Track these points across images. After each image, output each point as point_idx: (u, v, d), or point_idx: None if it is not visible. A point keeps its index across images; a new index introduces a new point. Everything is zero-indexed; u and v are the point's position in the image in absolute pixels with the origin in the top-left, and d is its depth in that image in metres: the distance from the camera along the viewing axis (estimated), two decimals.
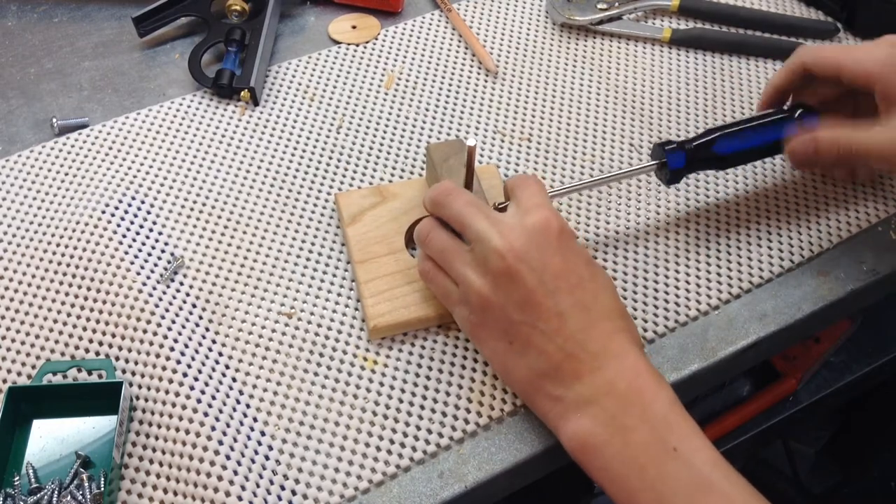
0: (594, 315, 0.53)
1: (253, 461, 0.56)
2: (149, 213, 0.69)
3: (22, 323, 0.62)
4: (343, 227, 0.66)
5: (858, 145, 0.60)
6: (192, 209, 0.69)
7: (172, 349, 0.61)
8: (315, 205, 0.70)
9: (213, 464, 0.56)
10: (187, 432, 0.57)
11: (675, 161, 0.64)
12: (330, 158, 0.73)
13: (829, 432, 1.25)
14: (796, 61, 0.65)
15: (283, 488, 0.55)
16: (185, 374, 0.60)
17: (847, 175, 0.71)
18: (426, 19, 0.84)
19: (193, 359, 0.60)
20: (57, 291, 0.64)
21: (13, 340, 0.61)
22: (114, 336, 0.62)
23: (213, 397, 0.59)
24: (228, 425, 0.57)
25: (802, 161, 0.64)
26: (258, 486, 0.55)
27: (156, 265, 0.65)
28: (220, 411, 0.58)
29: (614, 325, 0.53)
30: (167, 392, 0.59)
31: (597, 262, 0.57)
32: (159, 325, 0.62)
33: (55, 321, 0.62)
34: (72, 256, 0.66)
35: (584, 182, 0.64)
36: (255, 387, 0.59)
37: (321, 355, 0.61)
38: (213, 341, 0.61)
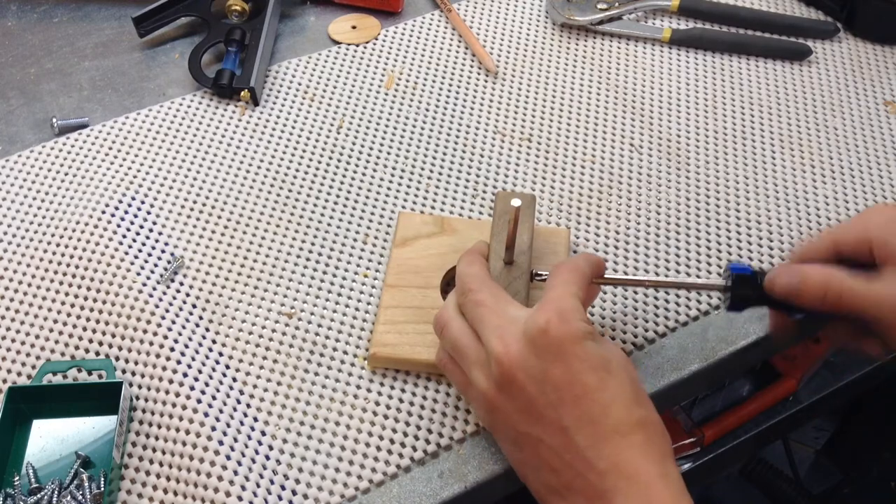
0: (602, 429, 0.47)
1: (253, 461, 0.56)
2: (149, 213, 0.69)
3: (22, 323, 0.62)
4: (392, 246, 0.66)
5: (853, 293, 0.51)
6: (192, 209, 0.69)
7: (172, 349, 0.61)
8: (315, 205, 0.70)
9: (213, 464, 0.56)
10: (187, 432, 0.57)
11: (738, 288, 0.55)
12: (330, 158, 0.73)
13: (829, 432, 1.25)
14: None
15: (283, 488, 0.55)
16: (185, 374, 0.60)
17: (834, 337, 0.59)
18: (426, 19, 0.84)
19: (193, 359, 0.60)
20: (57, 291, 0.64)
21: (13, 340, 0.61)
22: (114, 336, 0.62)
23: (214, 397, 0.59)
24: (228, 425, 0.57)
25: (782, 292, 0.53)
26: (258, 486, 0.55)
27: (156, 265, 0.65)
28: (221, 411, 0.58)
29: (627, 439, 0.47)
30: (167, 392, 0.59)
31: (614, 361, 0.49)
32: (159, 325, 0.62)
33: (55, 321, 0.62)
34: (72, 256, 0.66)
35: (638, 279, 0.61)
36: (255, 387, 0.59)
37: (321, 355, 0.61)
38: (213, 341, 0.61)
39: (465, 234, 0.65)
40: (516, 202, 0.55)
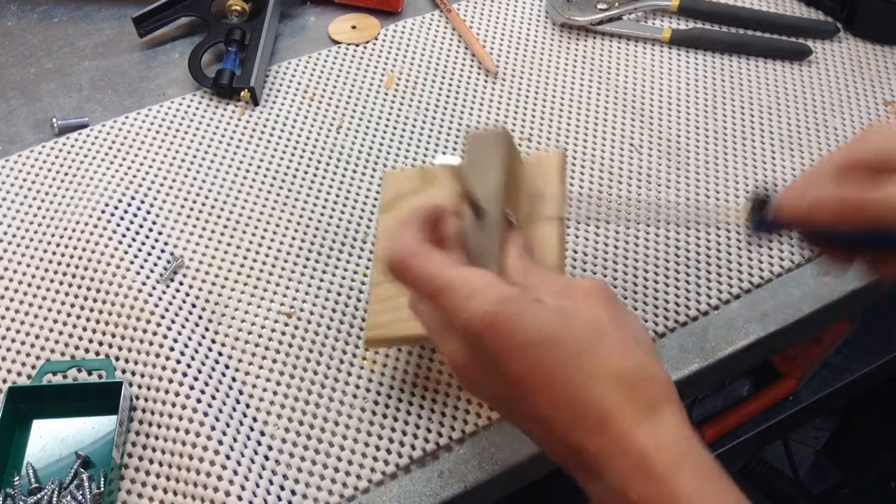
0: (579, 409, 0.42)
1: (253, 461, 0.56)
2: (149, 213, 0.69)
3: (22, 323, 0.62)
4: (378, 212, 0.59)
5: (874, 201, 0.46)
6: (192, 209, 0.69)
7: (172, 349, 0.61)
8: (315, 205, 0.70)
9: (213, 464, 0.56)
10: (187, 432, 0.57)
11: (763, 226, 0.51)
12: (330, 158, 0.73)
13: (829, 432, 1.25)
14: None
15: (282, 488, 0.55)
16: (184, 374, 0.60)
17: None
18: (426, 19, 0.84)
19: (193, 359, 0.60)
20: (57, 291, 0.64)
21: (13, 340, 0.62)
22: (114, 336, 0.62)
23: (213, 397, 0.59)
24: (228, 425, 0.57)
25: (791, 214, 0.49)
26: (258, 486, 0.55)
27: (156, 265, 0.65)
28: (220, 411, 0.58)
29: (605, 406, 0.41)
30: (167, 392, 0.59)
31: (566, 317, 0.43)
32: (159, 325, 0.62)
33: (55, 321, 0.62)
34: (72, 256, 0.66)
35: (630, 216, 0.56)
36: (255, 387, 0.59)
37: (321, 354, 0.61)
38: (213, 341, 0.61)
39: (448, 185, 0.55)
40: (452, 161, 0.46)
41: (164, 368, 0.60)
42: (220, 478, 0.55)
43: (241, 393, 0.59)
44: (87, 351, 0.61)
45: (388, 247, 0.47)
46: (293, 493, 0.55)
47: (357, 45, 0.82)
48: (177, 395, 0.59)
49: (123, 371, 0.60)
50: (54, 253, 0.66)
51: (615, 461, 0.41)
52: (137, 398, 0.59)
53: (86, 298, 0.63)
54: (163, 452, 0.56)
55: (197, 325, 0.62)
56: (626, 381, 0.41)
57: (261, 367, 0.60)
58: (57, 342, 0.61)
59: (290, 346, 0.61)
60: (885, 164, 0.48)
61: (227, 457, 0.56)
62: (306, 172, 0.72)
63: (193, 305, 0.63)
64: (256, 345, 0.61)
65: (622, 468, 0.41)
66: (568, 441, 0.42)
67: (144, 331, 0.62)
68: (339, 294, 0.64)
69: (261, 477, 0.55)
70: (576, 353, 0.42)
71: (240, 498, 0.54)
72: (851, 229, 0.48)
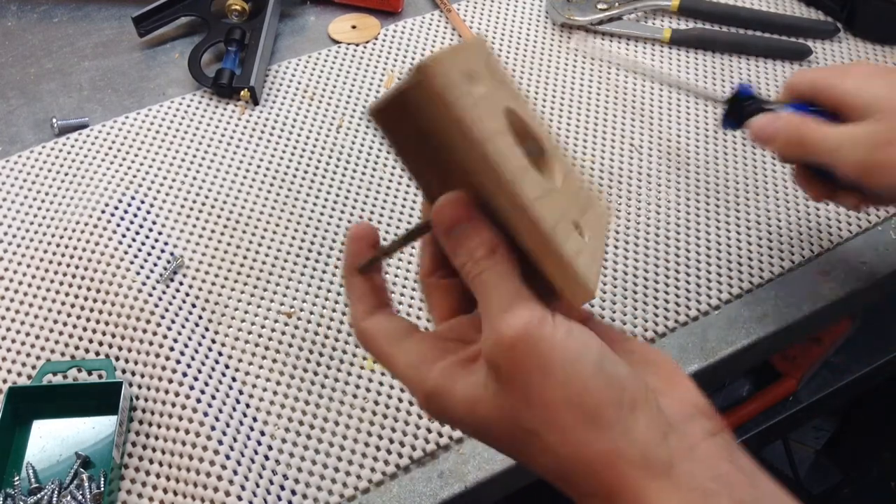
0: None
1: (253, 461, 0.56)
2: (149, 213, 0.69)
3: (22, 323, 0.62)
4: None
5: (813, 139, 0.53)
6: (192, 209, 0.69)
7: (172, 349, 0.61)
8: (315, 204, 0.70)
9: (213, 464, 0.56)
10: (187, 432, 0.57)
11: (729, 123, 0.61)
12: (329, 158, 0.73)
13: (829, 432, 1.25)
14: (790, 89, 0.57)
15: (283, 488, 0.55)
16: (184, 374, 0.60)
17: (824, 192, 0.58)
18: (426, 19, 0.84)
19: (193, 359, 0.60)
20: (57, 291, 0.64)
21: (13, 340, 0.62)
22: (114, 336, 0.62)
23: (213, 397, 0.59)
24: (228, 425, 0.57)
25: (756, 133, 0.56)
26: (258, 486, 0.55)
27: (156, 265, 0.65)
28: (220, 411, 0.58)
29: (567, 491, 0.35)
30: (167, 392, 0.59)
31: (482, 423, 0.35)
32: (159, 325, 0.62)
33: (55, 321, 0.62)
34: (72, 256, 0.66)
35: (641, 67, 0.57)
36: (255, 387, 0.59)
37: (321, 355, 0.61)
38: (213, 341, 0.61)
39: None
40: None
41: (164, 368, 0.60)
42: (220, 478, 0.55)
43: (241, 393, 0.59)
44: (87, 351, 0.61)
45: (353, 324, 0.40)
46: (293, 493, 0.55)
47: (357, 45, 0.82)
48: (177, 395, 0.59)
49: (123, 371, 0.60)
50: (54, 253, 0.66)
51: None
52: (137, 398, 0.59)
53: (86, 298, 0.63)
54: (163, 452, 0.56)
55: (197, 325, 0.62)
56: (562, 481, 0.35)
57: (261, 367, 0.60)
58: (57, 342, 0.61)
59: (290, 346, 0.61)
60: (843, 106, 0.53)
61: (227, 457, 0.56)
62: (306, 172, 0.72)
63: (193, 305, 0.63)
64: (256, 345, 0.61)
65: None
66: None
67: (144, 331, 0.62)
68: (339, 294, 0.64)
69: (261, 477, 0.55)
70: (510, 449, 0.36)
71: (240, 498, 0.54)
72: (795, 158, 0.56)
